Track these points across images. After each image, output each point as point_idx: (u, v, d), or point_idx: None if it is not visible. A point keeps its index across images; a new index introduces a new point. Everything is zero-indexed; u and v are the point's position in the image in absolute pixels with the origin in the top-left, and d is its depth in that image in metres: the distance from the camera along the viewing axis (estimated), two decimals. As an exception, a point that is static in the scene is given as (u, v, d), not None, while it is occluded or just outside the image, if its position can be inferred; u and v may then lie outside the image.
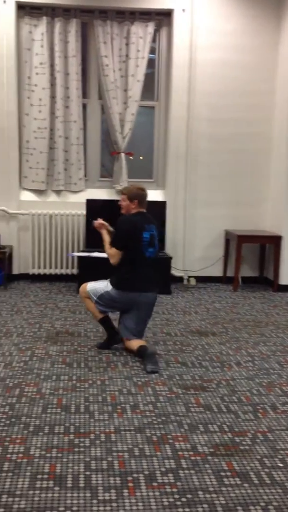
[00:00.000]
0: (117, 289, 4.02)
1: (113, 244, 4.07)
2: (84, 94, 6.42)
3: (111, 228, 4.23)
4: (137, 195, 4.04)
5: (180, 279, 6.61)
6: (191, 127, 6.35)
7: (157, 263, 4.17)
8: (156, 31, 6.38)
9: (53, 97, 6.23)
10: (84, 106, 6.47)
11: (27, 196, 6.42)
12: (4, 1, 5.93)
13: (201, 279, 6.64)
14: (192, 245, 6.60)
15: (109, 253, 4.07)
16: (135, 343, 3.99)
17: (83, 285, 4.16)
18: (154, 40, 6.38)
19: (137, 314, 4.04)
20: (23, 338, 4.39)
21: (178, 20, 6.17)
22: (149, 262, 4.03)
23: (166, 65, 6.45)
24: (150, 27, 6.21)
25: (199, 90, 6.29)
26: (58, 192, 6.46)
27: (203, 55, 6.23)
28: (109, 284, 4.06)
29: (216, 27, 6.21)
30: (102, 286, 4.07)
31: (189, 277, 6.62)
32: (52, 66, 6.16)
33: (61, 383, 3.50)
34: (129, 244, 3.98)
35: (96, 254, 5.94)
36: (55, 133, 6.29)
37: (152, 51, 6.43)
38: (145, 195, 4.09)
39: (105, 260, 5.98)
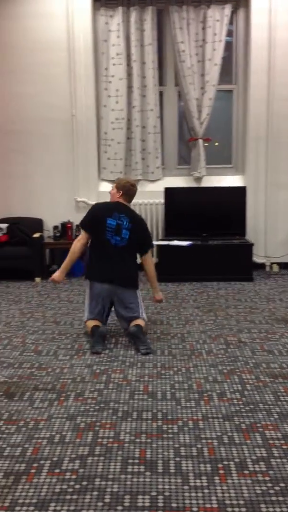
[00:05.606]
0: (86, 279, 4.18)
1: (80, 223, 4.29)
2: (161, 81, 6.38)
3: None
4: (124, 187, 4.17)
5: (262, 265, 6.45)
6: (272, 108, 6.15)
7: (129, 257, 4.12)
8: (233, 13, 6.22)
9: (130, 87, 6.24)
10: (161, 94, 6.43)
11: (106, 187, 6.49)
12: (80, -6, 6.00)
13: (284, 266, 6.45)
14: (275, 231, 6.41)
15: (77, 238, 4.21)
16: (90, 323, 4.06)
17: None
18: (231, 23, 6.23)
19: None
20: (107, 326, 4.45)
21: (256, 0, 5.98)
22: (116, 251, 4.04)
23: (244, 46, 6.28)
24: (227, 9, 6.06)
25: (280, 70, 6.08)
26: (136, 181, 6.46)
27: (283, 34, 6.01)
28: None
29: (296, 3, 5.97)
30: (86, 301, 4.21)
31: (272, 263, 6.45)
32: (128, 56, 6.18)
33: (146, 370, 3.52)
34: (92, 225, 4.08)
35: (176, 243, 5.93)
36: (132, 123, 6.31)
37: (229, 33, 6.27)
38: (132, 190, 4.19)
39: (185, 248, 5.98)
